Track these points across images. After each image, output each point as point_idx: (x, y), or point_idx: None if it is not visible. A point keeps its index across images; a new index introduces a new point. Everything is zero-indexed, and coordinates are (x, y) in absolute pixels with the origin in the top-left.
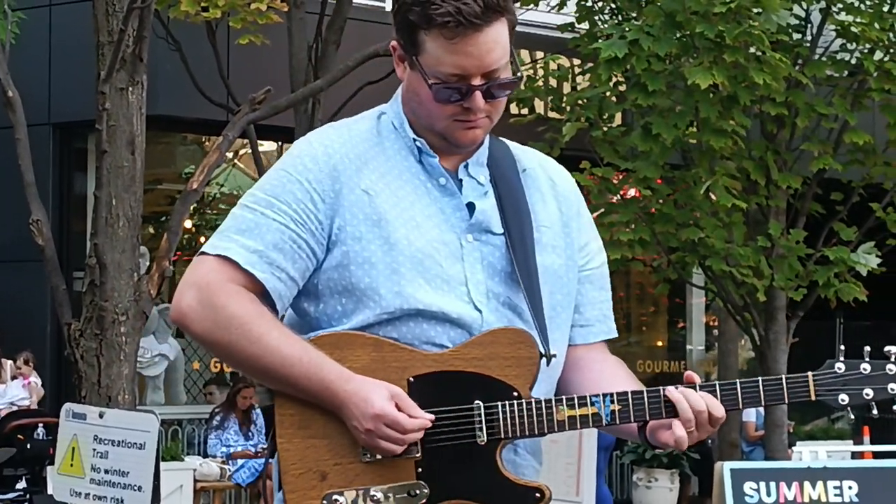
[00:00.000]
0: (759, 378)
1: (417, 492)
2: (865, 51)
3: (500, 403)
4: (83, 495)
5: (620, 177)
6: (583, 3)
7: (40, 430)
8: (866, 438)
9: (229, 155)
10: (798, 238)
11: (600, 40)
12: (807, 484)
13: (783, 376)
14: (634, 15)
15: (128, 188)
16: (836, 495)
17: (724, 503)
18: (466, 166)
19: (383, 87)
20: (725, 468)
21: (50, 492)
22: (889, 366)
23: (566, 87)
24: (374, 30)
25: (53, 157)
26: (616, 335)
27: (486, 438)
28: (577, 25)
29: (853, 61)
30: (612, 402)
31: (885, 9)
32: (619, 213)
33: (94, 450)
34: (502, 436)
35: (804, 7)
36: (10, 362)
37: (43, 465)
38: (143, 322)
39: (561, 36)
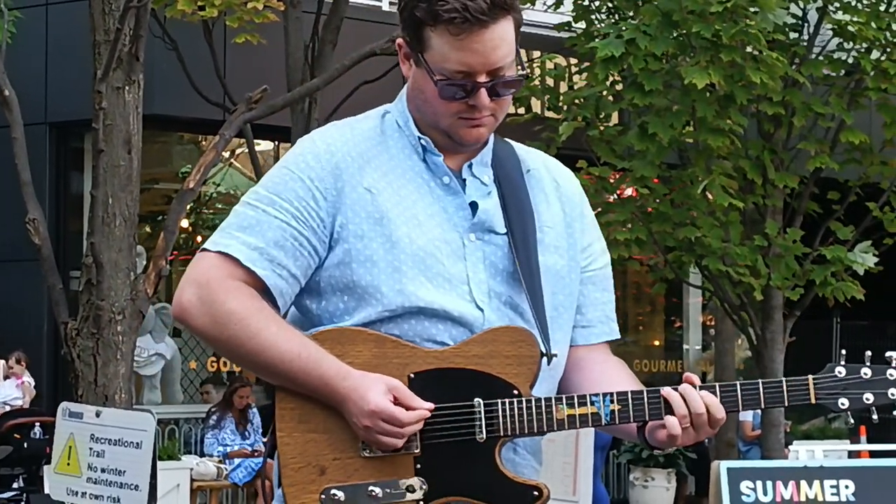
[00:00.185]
0: (760, 381)
1: (416, 488)
2: (862, 50)
3: (499, 401)
4: (80, 494)
5: (617, 176)
6: (579, 2)
7: (37, 430)
8: (863, 438)
9: (226, 154)
10: (795, 237)
11: (597, 39)
12: (803, 483)
13: (783, 379)
14: (631, 14)
15: (124, 187)
16: (832, 494)
17: (720, 502)
18: (470, 166)
19: (380, 86)
20: (722, 467)
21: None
22: (890, 371)
23: (563, 87)
24: (370, 29)
25: (50, 157)
26: (618, 336)
27: (485, 436)
28: (573, 25)
29: (850, 60)
30: (612, 401)
31: (882, 8)
32: (615, 213)
33: (91, 449)
34: (501, 433)
35: (801, 6)
36: (2, 362)
37: (40, 464)
38: (140, 321)
39: (557, 35)
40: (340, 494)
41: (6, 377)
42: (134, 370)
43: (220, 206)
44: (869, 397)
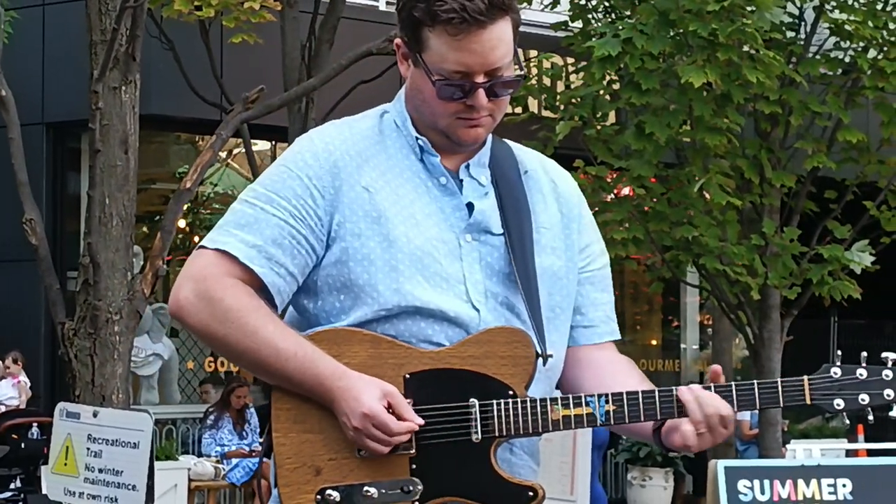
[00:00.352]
0: (755, 381)
1: (411, 488)
2: (859, 49)
3: (495, 402)
4: (77, 494)
5: (614, 175)
6: (576, 1)
7: (34, 430)
8: (860, 437)
9: (223, 154)
10: (792, 236)
11: (594, 39)
12: (801, 482)
13: (779, 380)
14: (628, 13)
15: (121, 187)
16: (830, 493)
17: (718, 501)
18: (468, 166)
19: (377, 85)
20: (719, 466)
21: (44, 491)
22: (885, 371)
23: (560, 86)
24: (367, 29)
25: (47, 157)
26: (619, 337)
27: (480, 436)
28: (570, 24)
29: (847, 59)
30: (607, 402)
31: (879, 7)
32: (612, 212)
33: (89, 449)
34: (497, 434)
35: (798, 5)
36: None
37: (37, 464)
38: (137, 321)
39: (554, 34)
40: (336, 495)
41: (2, 377)
42: (131, 370)
43: (217, 206)
44: (864, 398)
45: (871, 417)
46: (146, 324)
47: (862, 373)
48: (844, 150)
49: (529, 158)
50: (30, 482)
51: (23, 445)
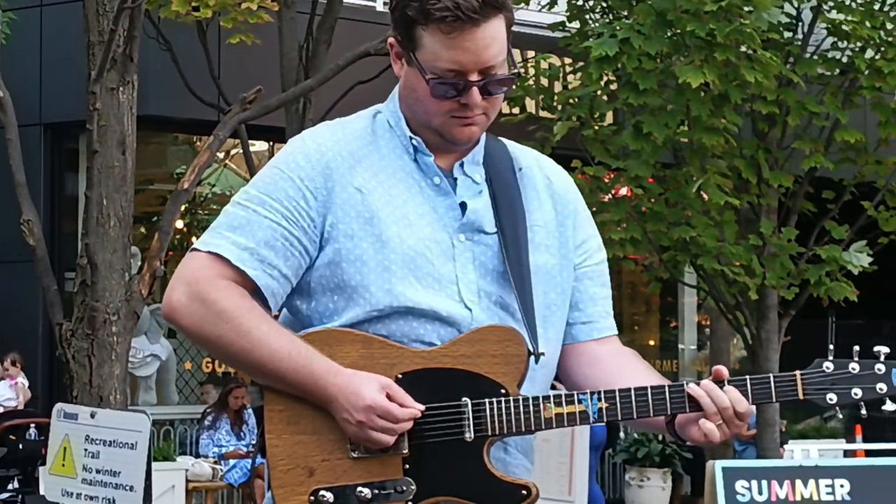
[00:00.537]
0: (747, 377)
1: (404, 488)
2: (856, 49)
3: (487, 400)
4: (75, 495)
5: (612, 176)
6: (573, 2)
7: (32, 431)
8: (858, 437)
9: (220, 155)
10: (790, 236)
11: (591, 39)
12: (798, 482)
13: (771, 375)
14: (625, 13)
15: (119, 188)
16: (827, 494)
17: (715, 502)
18: (462, 165)
19: (374, 86)
20: (717, 467)
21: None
22: (878, 365)
23: (557, 86)
24: (364, 29)
25: (44, 158)
26: (617, 332)
27: (473, 435)
28: (567, 24)
29: (844, 59)
30: (600, 399)
31: (876, 7)
32: (610, 213)
33: (86, 450)
34: (489, 433)
35: (795, 5)
36: None
37: (35, 465)
38: (135, 322)
39: (552, 35)
40: (329, 496)
41: (1, 378)
42: (129, 371)
43: (214, 206)
44: (857, 392)
45: (864, 412)
46: (144, 324)
47: (854, 367)
48: (842, 151)
49: (524, 156)
50: (27, 483)
51: (20, 446)
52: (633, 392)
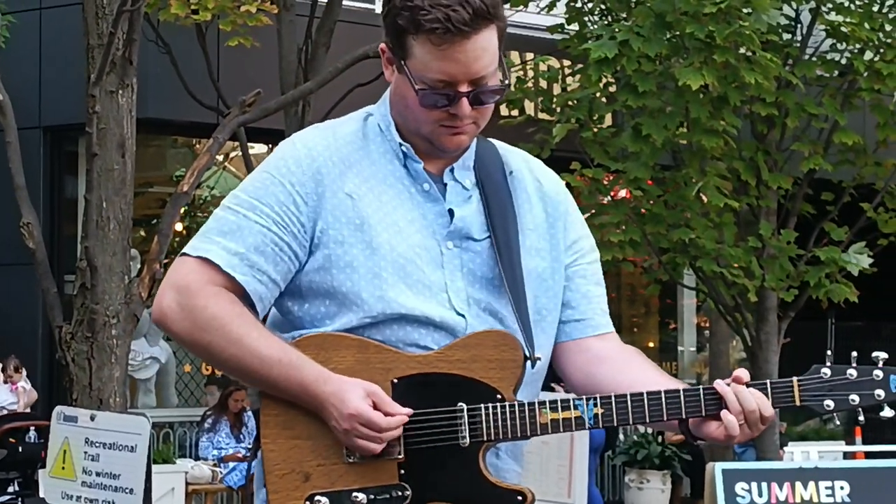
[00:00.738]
0: (745, 382)
1: (399, 493)
2: (855, 51)
3: (483, 406)
4: (74, 498)
5: (611, 178)
6: (572, 4)
7: (32, 434)
8: (858, 439)
9: (219, 157)
10: (789, 238)
11: (590, 41)
12: (798, 484)
13: (768, 381)
14: (624, 16)
15: (118, 191)
16: (827, 496)
17: None
18: (452, 170)
19: (373, 89)
20: (717, 469)
21: (41, 495)
22: (876, 371)
23: (556, 89)
24: (363, 32)
25: (44, 161)
26: (613, 330)
27: (469, 441)
28: (566, 26)
29: (843, 61)
30: (596, 405)
31: (875, 9)
32: (609, 215)
33: (86, 453)
34: (485, 438)
35: (794, 7)
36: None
37: (34, 468)
38: (134, 325)
39: (551, 37)
40: (325, 501)
41: (5, 381)
42: (128, 374)
43: (213, 209)
44: (854, 398)
45: (861, 418)
46: (143, 327)
47: (852, 373)
48: (841, 153)
49: (514, 158)
50: (27, 486)
51: (20, 449)
52: (629, 398)
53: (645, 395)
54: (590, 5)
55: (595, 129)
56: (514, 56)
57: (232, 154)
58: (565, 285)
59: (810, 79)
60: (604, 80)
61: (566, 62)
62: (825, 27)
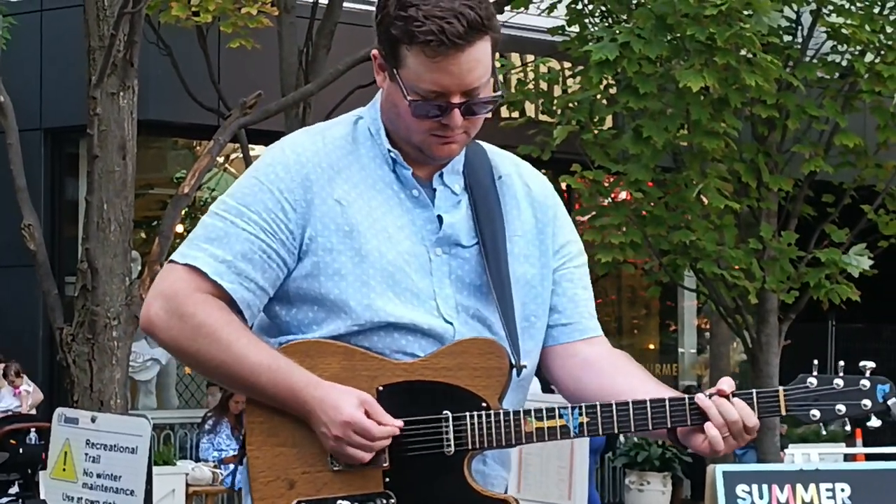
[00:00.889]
0: (730, 392)
1: (384, 501)
2: (856, 53)
3: (468, 414)
4: (75, 499)
5: (611, 180)
6: (573, 6)
7: (33, 435)
8: (859, 441)
9: (220, 159)
10: (790, 240)
11: (591, 43)
12: (799, 486)
13: (754, 391)
14: (625, 18)
15: (119, 193)
16: (828, 498)
17: None
18: (441, 175)
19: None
20: (718, 471)
21: (42, 496)
22: (863, 381)
23: (557, 90)
24: (364, 34)
25: (45, 163)
26: (601, 334)
27: (454, 449)
28: (567, 28)
29: (844, 63)
30: (581, 414)
31: (876, 11)
32: (610, 216)
33: (87, 454)
34: (470, 447)
35: (795, 9)
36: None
37: (35, 469)
38: (135, 326)
39: (551, 39)
40: None
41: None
42: (129, 375)
43: None
44: (841, 408)
45: (847, 429)
46: None
47: (839, 383)
48: (842, 154)
49: (504, 163)
50: (28, 488)
51: (21, 451)
52: (614, 407)
53: (630, 405)
54: (590, 7)
55: (596, 131)
56: (515, 58)
57: (233, 156)
58: (553, 289)
59: (811, 81)
60: (604, 82)
61: (567, 64)
62: (826, 29)
